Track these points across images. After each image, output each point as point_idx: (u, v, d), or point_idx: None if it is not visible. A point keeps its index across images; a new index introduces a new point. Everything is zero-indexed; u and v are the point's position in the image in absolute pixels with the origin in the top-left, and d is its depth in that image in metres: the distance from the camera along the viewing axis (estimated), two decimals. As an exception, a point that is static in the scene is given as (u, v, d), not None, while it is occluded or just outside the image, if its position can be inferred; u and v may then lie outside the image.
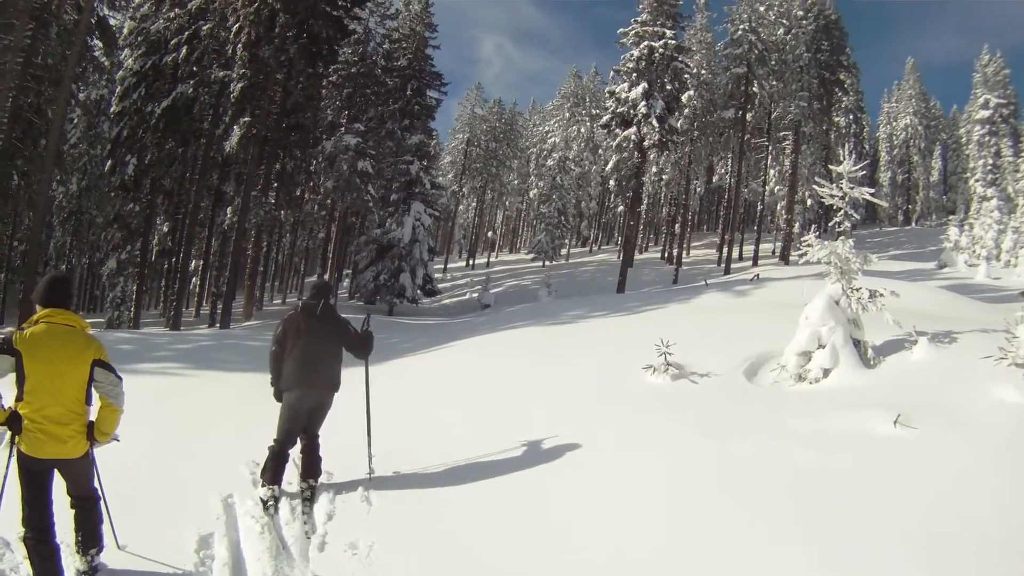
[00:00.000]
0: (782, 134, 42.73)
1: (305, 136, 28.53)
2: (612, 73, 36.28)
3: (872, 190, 8.41)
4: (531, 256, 54.21)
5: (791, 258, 38.81)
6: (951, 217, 43.51)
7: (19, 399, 4.05)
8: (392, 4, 42.54)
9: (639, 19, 34.19)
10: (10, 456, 4.14)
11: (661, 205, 56.59)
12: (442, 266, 56.20)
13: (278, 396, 6.17)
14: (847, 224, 8.02)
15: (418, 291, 32.09)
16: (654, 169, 47.46)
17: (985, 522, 4.11)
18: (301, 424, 6.05)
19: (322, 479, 6.10)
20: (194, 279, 36.83)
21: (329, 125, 35.65)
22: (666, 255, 49.99)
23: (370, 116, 38.79)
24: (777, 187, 44.85)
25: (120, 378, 4.35)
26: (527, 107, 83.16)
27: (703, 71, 47.09)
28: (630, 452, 6.05)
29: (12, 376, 4.03)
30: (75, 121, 37.45)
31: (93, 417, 4.32)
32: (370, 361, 6.74)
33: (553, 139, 63.01)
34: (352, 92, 38.93)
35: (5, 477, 4.20)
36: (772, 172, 44.93)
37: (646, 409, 7.24)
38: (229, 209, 30.70)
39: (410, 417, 8.12)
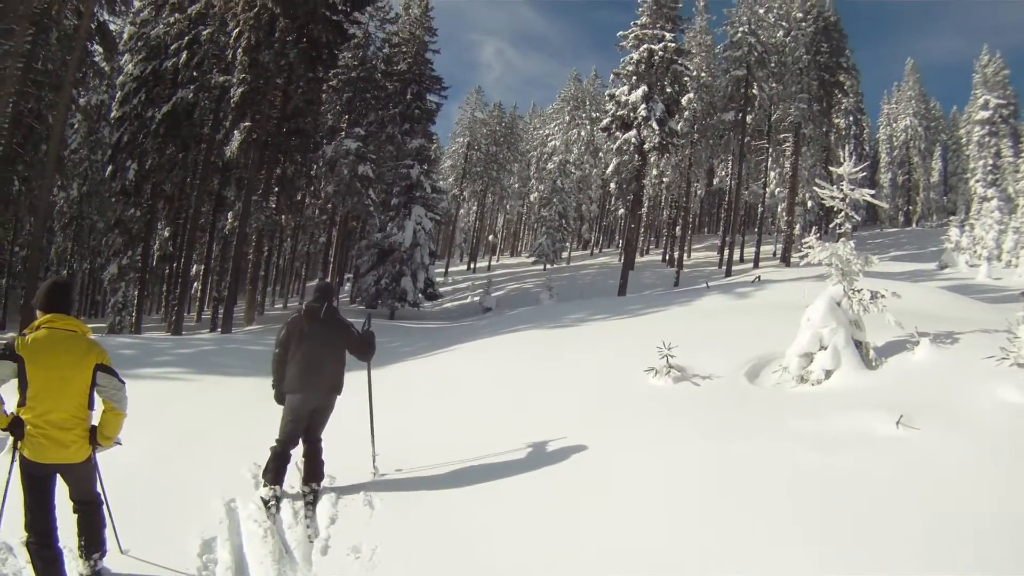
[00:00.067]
0: (782, 136, 42.73)
1: (305, 141, 28.55)
2: (612, 76, 36.38)
3: (872, 191, 8.42)
4: (532, 259, 54.26)
5: (792, 260, 38.78)
6: (952, 218, 43.53)
7: (21, 404, 4.05)
8: (392, 8, 42.63)
9: (638, 22, 34.24)
10: (12, 461, 4.14)
11: (662, 208, 56.62)
12: (443, 270, 56.20)
13: (279, 399, 6.18)
14: (848, 226, 8.02)
15: (419, 295, 32.05)
16: (655, 172, 47.49)
17: (987, 522, 4.10)
18: (303, 426, 6.06)
19: (325, 483, 6.11)
20: (195, 284, 36.87)
21: (329, 129, 35.69)
22: (667, 258, 50.03)
23: (370, 120, 38.79)
24: (777, 189, 44.86)
25: (123, 382, 4.36)
26: (527, 110, 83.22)
27: (703, 74, 47.11)
28: (632, 454, 6.05)
29: (14, 382, 4.03)
30: (75, 126, 37.50)
31: (95, 422, 4.33)
32: (372, 365, 6.78)
33: (553, 142, 63.09)
34: (352, 96, 38.94)
35: (8, 482, 4.21)
36: (772, 174, 44.95)
37: (648, 411, 7.23)
38: (230, 214, 30.71)
39: (412, 420, 8.12)
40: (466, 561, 4.70)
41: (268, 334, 19.25)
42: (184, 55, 27.75)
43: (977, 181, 50.18)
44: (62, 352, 4.11)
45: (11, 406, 4.08)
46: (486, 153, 63.96)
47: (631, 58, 33.89)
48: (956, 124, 71.38)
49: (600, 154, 57.27)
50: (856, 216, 8.21)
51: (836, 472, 4.99)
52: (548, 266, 51.11)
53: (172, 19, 28.47)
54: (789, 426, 6.00)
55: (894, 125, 71.11)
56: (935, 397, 5.99)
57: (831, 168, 8.81)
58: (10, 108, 20.29)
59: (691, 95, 43.07)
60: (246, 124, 25.57)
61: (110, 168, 29.71)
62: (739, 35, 40.83)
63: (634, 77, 33.62)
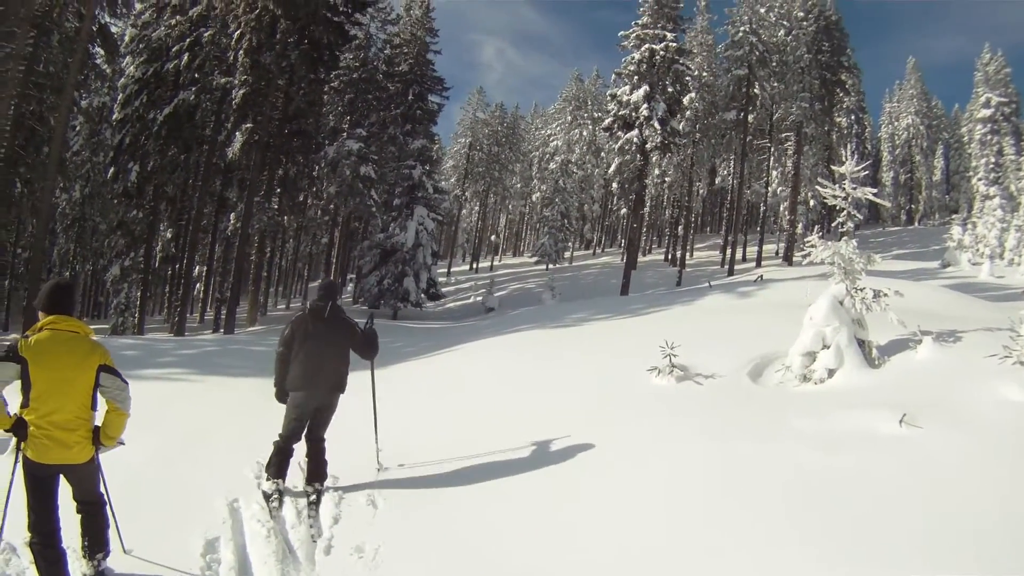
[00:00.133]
0: (784, 135, 42.70)
1: (307, 142, 28.55)
2: (613, 76, 36.40)
3: (875, 190, 8.41)
4: (534, 259, 54.27)
5: (794, 259, 38.73)
6: (954, 216, 43.52)
7: (24, 405, 4.06)
8: (393, 9, 42.72)
9: (640, 22, 34.25)
10: (16, 462, 4.15)
11: (664, 207, 56.61)
12: (446, 270, 56.23)
13: (280, 397, 6.19)
14: (850, 224, 8.02)
15: (422, 295, 32.08)
16: (657, 171, 47.40)
17: (989, 522, 4.10)
18: (306, 421, 6.08)
19: (328, 482, 6.10)
20: (198, 285, 36.89)
21: (331, 130, 35.74)
22: (669, 257, 49.98)
23: (372, 121, 38.86)
24: (780, 188, 44.80)
25: (126, 382, 4.37)
26: (529, 111, 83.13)
27: (704, 73, 47.15)
28: (635, 453, 6.05)
29: (17, 383, 4.04)
30: (77, 128, 37.58)
31: (98, 422, 4.33)
32: (375, 364, 6.82)
33: (555, 142, 63.01)
34: (354, 97, 39.00)
35: (11, 483, 4.21)
36: (774, 173, 44.91)
37: (651, 411, 7.23)
38: (232, 215, 30.72)
39: (415, 420, 8.12)
40: (468, 560, 4.70)
41: (271, 335, 19.26)
42: (186, 57, 27.79)
43: (979, 179, 50.20)
44: (65, 353, 4.12)
45: (14, 407, 4.09)
46: (488, 153, 64.00)
47: (633, 58, 33.91)
48: (958, 122, 71.16)
49: (602, 154, 57.18)
50: (858, 215, 8.21)
51: (839, 472, 4.99)
52: (550, 266, 51.09)
53: (173, 21, 28.51)
54: (792, 425, 5.99)
55: (896, 124, 71.03)
56: (938, 396, 5.98)
57: (833, 167, 8.81)
58: (12, 110, 20.30)
59: (693, 94, 43.06)
60: (248, 125, 25.57)
61: (112, 170, 29.76)
62: (740, 34, 40.84)
63: (636, 77, 33.64)
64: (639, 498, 5.21)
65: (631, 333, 11.68)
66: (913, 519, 4.23)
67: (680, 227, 48.67)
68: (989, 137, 51.90)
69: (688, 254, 47.69)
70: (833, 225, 13.80)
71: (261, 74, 25.37)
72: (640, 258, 45.73)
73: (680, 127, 37.38)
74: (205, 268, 35.35)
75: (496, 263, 64.61)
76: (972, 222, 39.96)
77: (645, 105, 32.78)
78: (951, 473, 4.74)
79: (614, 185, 40.28)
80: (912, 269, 31.14)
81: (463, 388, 9.68)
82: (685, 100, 38.91)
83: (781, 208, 45.95)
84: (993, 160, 50.64)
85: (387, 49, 41.04)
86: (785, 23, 42.17)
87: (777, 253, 45.04)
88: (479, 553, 4.78)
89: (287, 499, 5.86)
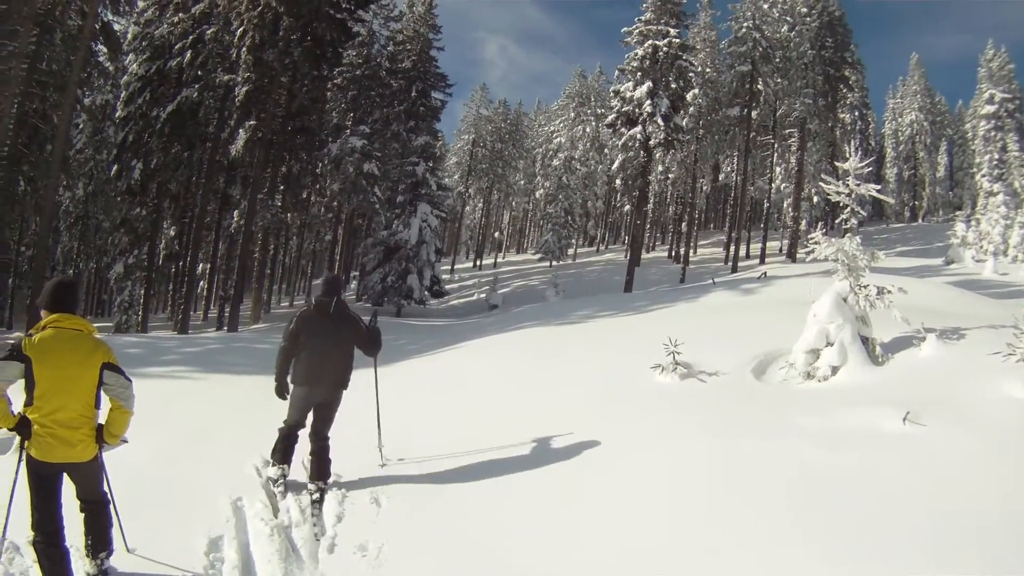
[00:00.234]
0: (788, 131, 42.66)
1: (311, 139, 28.54)
2: (617, 72, 36.41)
3: (878, 187, 8.41)
4: (538, 256, 54.23)
5: (798, 256, 38.68)
6: (958, 213, 43.46)
7: (28, 404, 4.06)
8: (396, 6, 42.71)
9: (643, 18, 34.22)
10: (19, 461, 4.16)
11: (667, 204, 56.46)
12: (449, 267, 56.24)
13: (280, 392, 6.18)
14: (854, 221, 8.00)
15: (425, 292, 32.13)
16: (660, 168, 47.35)
17: (993, 519, 4.09)
18: (309, 411, 6.12)
19: (331, 480, 6.10)
20: (201, 283, 36.93)
21: (335, 127, 35.74)
22: (673, 254, 49.90)
23: (375, 118, 38.87)
24: (783, 184, 44.68)
25: (130, 380, 4.37)
26: (532, 107, 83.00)
27: (708, 69, 46.99)
28: (638, 451, 6.04)
29: (20, 381, 4.04)
30: (81, 126, 37.66)
31: (102, 420, 4.34)
32: (379, 362, 6.85)
33: (559, 139, 62.95)
34: (357, 94, 39.00)
35: (15, 481, 4.22)
36: (778, 169, 44.76)
37: (654, 408, 7.22)
38: (236, 212, 30.70)
39: (419, 418, 8.11)
40: (472, 558, 4.70)
41: (274, 332, 19.25)
42: (188, 54, 27.81)
43: (983, 176, 50.16)
44: (69, 351, 4.12)
45: (18, 406, 4.10)
46: (491, 150, 64.01)
47: (636, 54, 33.87)
48: (962, 119, 70.97)
49: (605, 150, 57.14)
50: (862, 211, 8.20)
51: (842, 469, 4.98)
52: (554, 263, 51.06)
53: (176, 19, 28.53)
54: (795, 423, 5.99)
55: (899, 120, 70.88)
56: (941, 393, 5.97)
57: (837, 163, 8.78)
58: (15, 108, 20.37)
59: (696, 91, 42.92)
60: (251, 123, 25.55)
61: (115, 167, 29.82)
62: (744, 30, 40.73)
63: (639, 73, 33.61)
64: (642, 496, 5.20)
65: (635, 330, 11.66)
66: (916, 517, 4.22)
67: (684, 224, 48.58)
68: (993, 133, 51.82)
69: (692, 251, 47.58)
70: (837, 222, 13.79)
71: (264, 71, 25.35)
72: (644, 255, 45.72)
73: (683, 123, 37.39)
74: (209, 266, 35.41)
75: (500, 260, 64.64)
76: (976, 219, 39.87)
77: (648, 101, 32.75)
78: (954, 471, 4.74)
79: (617, 182, 40.29)
80: (916, 266, 31.11)
81: (467, 385, 9.67)
82: (688, 96, 38.82)
83: (785, 205, 45.86)
84: (997, 156, 50.57)
85: (390, 46, 41.07)
86: (788, 19, 42.03)
87: (781, 250, 44.97)
88: (483, 551, 4.78)
89: (291, 498, 5.86)
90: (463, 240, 78.51)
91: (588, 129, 60.72)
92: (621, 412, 7.29)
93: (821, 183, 9.34)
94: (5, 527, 4.26)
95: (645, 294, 19.95)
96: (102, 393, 4.28)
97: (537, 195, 67.86)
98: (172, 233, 32.60)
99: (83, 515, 4.40)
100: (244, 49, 25.29)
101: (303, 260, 55.15)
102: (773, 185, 44.72)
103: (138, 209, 29.75)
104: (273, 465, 6.10)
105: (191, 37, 27.95)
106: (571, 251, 56.28)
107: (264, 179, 27.82)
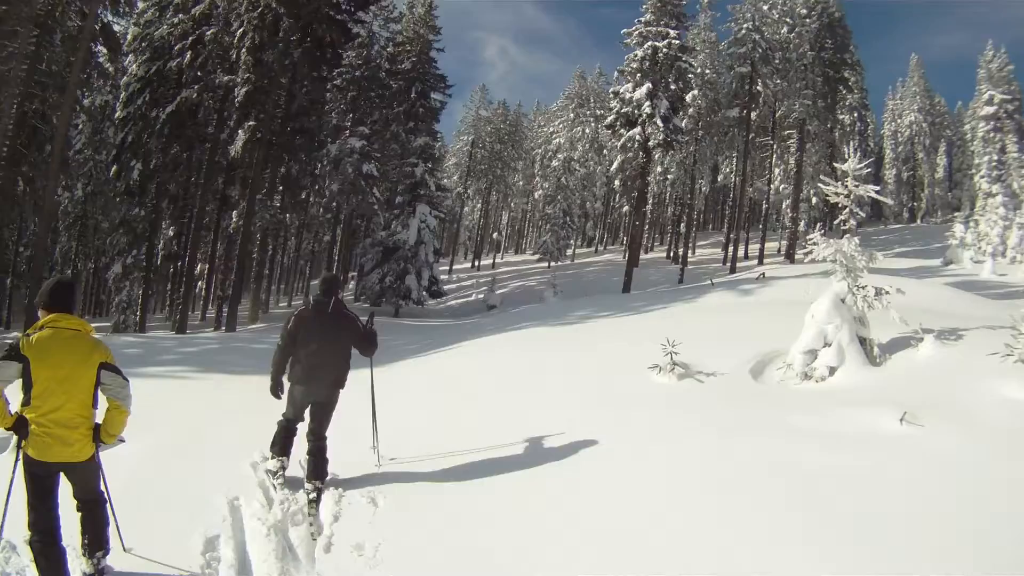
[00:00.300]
0: (787, 132, 42.62)
1: (310, 139, 28.50)
2: (616, 74, 36.40)
3: (877, 188, 8.43)
4: (536, 257, 54.29)
5: (797, 256, 38.67)
6: (956, 214, 43.53)
7: (26, 404, 4.05)
8: (396, 7, 42.68)
9: (643, 19, 34.21)
10: (16, 460, 4.16)
11: (666, 205, 56.44)
12: (447, 268, 56.25)
13: (275, 391, 6.19)
14: (852, 222, 8.02)
15: (424, 293, 32.11)
16: (659, 169, 47.28)
17: (990, 519, 4.10)
18: (307, 407, 6.13)
19: (328, 480, 6.09)
20: (200, 283, 36.83)
21: (334, 128, 35.67)
22: (672, 255, 49.93)
23: (375, 119, 38.84)
24: (782, 185, 44.66)
25: (127, 380, 4.36)
26: (531, 108, 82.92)
27: (707, 70, 46.97)
28: (634, 450, 6.04)
29: (18, 381, 4.04)
30: (80, 127, 37.64)
31: (99, 420, 4.33)
32: (376, 363, 6.85)
33: (558, 140, 62.89)
34: (356, 95, 38.97)
35: (12, 481, 4.21)
36: (777, 171, 44.74)
37: (651, 408, 7.23)
38: (234, 213, 30.61)
39: (415, 417, 8.11)
40: (469, 558, 4.70)
41: (272, 332, 19.23)
42: (188, 55, 27.76)
43: (982, 177, 50.13)
44: (66, 351, 4.12)
45: (15, 405, 4.09)
46: (490, 151, 64.02)
47: (635, 55, 33.86)
48: (961, 120, 70.93)
49: (604, 151, 57.17)
50: (861, 212, 8.21)
51: (840, 469, 4.98)
52: (552, 263, 51.06)
53: (176, 20, 28.48)
54: (793, 423, 5.99)
55: (899, 121, 70.92)
56: (939, 394, 5.98)
57: (836, 164, 8.80)
58: (15, 109, 20.35)
59: (695, 92, 42.90)
60: (250, 123, 25.51)
61: (115, 168, 29.76)
62: (743, 32, 40.74)
63: (638, 74, 33.60)
64: (639, 495, 5.20)
65: (633, 331, 11.68)
66: (914, 516, 4.23)
67: (682, 225, 48.60)
68: (992, 134, 51.80)
69: (690, 252, 47.54)
70: (835, 223, 13.80)
71: (263, 72, 25.34)
72: (642, 256, 45.66)
73: (683, 124, 37.35)
74: (207, 266, 35.31)
75: (498, 261, 64.66)
76: (974, 220, 39.93)
77: (648, 102, 32.73)
78: (952, 471, 4.75)
79: (616, 183, 40.30)
80: (914, 267, 31.10)
81: (463, 386, 9.67)
82: (688, 97, 38.84)
83: (784, 206, 45.83)
84: (996, 158, 50.55)
85: (390, 47, 41.02)
86: (788, 20, 42.02)
87: (779, 251, 44.99)
88: (479, 551, 4.77)
89: (288, 497, 5.86)
90: (462, 241, 78.55)
91: (587, 130, 60.70)
92: (618, 412, 7.29)
93: (820, 184, 9.36)
94: (2, 526, 4.25)
95: (643, 295, 19.99)
96: (99, 393, 4.27)
97: (536, 196, 67.79)
98: (171, 233, 32.54)
99: (80, 514, 4.39)
100: (244, 50, 25.26)
101: (301, 260, 55.14)
102: (772, 186, 44.71)
103: (137, 209, 29.67)
104: (272, 458, 6.14)
105: (191, 38, 27.88)
106: (569, 252, 56.29)
107: (263, 180, 27.80)
